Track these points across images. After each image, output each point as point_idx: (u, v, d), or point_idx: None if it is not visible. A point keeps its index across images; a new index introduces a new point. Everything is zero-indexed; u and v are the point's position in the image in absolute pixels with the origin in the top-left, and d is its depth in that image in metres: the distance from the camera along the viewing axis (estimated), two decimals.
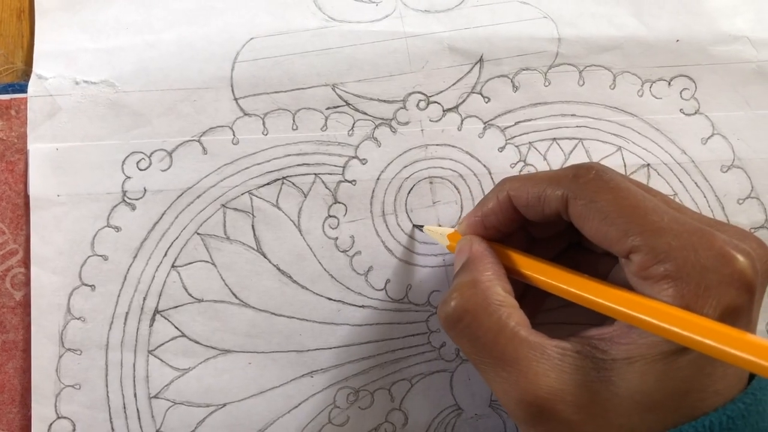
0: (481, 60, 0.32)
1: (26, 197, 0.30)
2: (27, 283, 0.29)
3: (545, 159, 0.32)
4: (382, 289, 0.31)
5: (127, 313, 0.30)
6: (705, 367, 0.22)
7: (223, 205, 0.30)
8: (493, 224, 0.27)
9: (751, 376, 0.23)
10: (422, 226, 0.31)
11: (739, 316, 0.21)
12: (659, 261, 0.22)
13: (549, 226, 0.27)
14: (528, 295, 0.28)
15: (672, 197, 0.31)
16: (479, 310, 0.24)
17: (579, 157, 0.32)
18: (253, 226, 0.30)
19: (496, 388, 0.24)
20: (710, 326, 0.20)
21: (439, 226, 0.31)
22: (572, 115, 0.32)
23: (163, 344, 0.30)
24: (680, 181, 0.32)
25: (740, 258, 0.21)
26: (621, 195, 0.23)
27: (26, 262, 0.29)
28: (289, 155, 0.31)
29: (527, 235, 0.28)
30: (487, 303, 0.24)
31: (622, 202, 0.23)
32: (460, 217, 0.31)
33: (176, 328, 0.30)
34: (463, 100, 0.32)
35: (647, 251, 0.22)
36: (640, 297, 0.22)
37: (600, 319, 0.24)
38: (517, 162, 0.32)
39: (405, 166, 0.31)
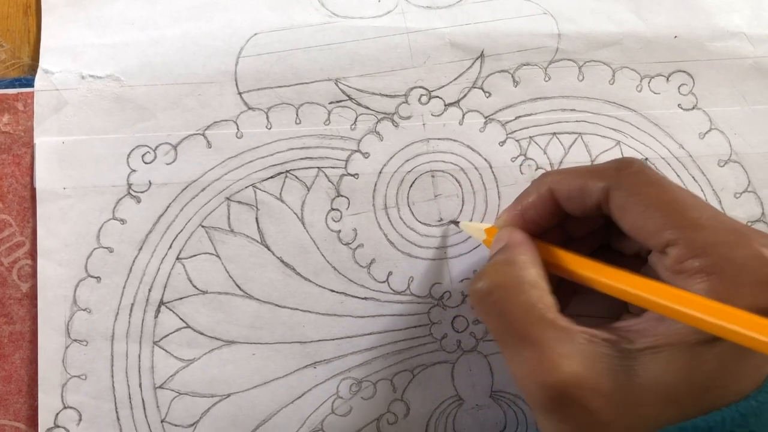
0: (481, 55, 0.33)
1: (33, 190, 0.30)
2: (33, 274, 0.30)
3: (545, 153, 0.32)
4: (384, 281, 0.31)
5: (132, 305, 0.30)
6: (729, 364, 0.22)
7: (228, 198, 0.31)
8: (532, 218, 0.27)
9: None
10: (458, 222, 0.31)
11: None
12: (695, 255, 0.22)
13: (585, 223, 0.28)
14: (558, 291, 0.28)
15: None
16: (511, 287, 0.24)
17: (578, 151, 0.32)
18: (257, 218, 0.31)
19: (518, 368, 0.23)
20: (743, 316, 0.20)
21: (472, 221, 0.31)
22: (572, 109, 0.33)
23: (168, 335, 0.30)
24: (678, 176, 0.33)
25: None
26: (662, 189, 0.23)
27: (33, 254, 0.30)
28: (293, 149, 0.31)
29: (563, 233, 0.28)
30: (520, 281, 0.24)
31: (663, 196, 0.23)
32: (461, 210, 0.32)
33: (181, 319, 0.30)
34: (465, 95, 0.32)
35: (684, 245, 0.22)
36: (674, 288, 0.22)
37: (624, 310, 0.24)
38: (518, 156, 0.32)
39: (407, 160, 0.32)
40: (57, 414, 0.29)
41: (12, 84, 0.31)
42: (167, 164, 0.31)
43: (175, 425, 0.29)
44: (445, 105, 0.32)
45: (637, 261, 0.27)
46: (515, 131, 0.32)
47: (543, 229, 0.27)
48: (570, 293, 0.29)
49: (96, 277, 0.30)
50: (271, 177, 0.31)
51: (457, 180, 0.32)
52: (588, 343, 0.23)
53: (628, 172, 0.24)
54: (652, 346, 0.22)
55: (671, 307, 0.21)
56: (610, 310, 0.29)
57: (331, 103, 0.32)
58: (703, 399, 0.22)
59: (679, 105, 0.33)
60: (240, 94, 0.31)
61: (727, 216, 0.24)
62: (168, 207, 0.30)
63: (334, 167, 0.31)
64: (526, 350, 0.23)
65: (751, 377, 0.22)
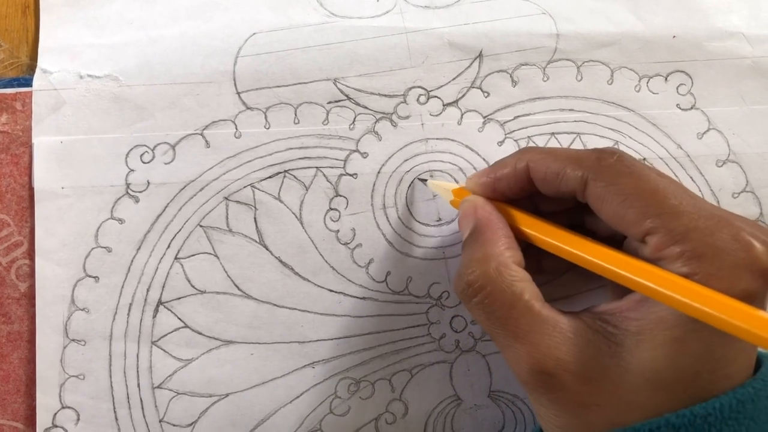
0: (480, 55, 0.33)
1: (31, 190, 0.30)
2: (32, 274, 0.30)
3: None
4: (382, 281, 0.31)
5: (130, 305, 0.30)
6: (715, 349, 0.22)
7: (226, 198, 0.31)
8: (503, 190, 0.27)
9: (758, 364, 0.23)
10: (426, 180, 0.31)
11: (752, 300, 0.21)
12: (676, 242, 0.22)
13: (557, 203, 0.28)
14: (529, 253, 0.28)
15: None
16: (493, 286, 0.24)
17: None
18: (255, 218, 0.31)
19: (509, 356, 0.24)
20: (724, 301, 0.20)
21: (437, 186, 0.31)
22: (570, 109, 0.33)
23: (166, 335, 0.30)
24: (676, 176, 0.33)
25: (757, 245, 0.21)
26: (641, 179, 0.23)
27: (31, 254, 0.30)
28: (291, 149, 0.31)
29: (531, 206, 0.28)
30: (501, 278, 0.24)
31: (643, 185, 0.23)
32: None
33: (179, 319, 0.30)
34: (463, 95, 0.32)
35: (665, 233, 0.22)
36: (656, 268, 0.22)
37: (602, 290, 0.24)
38: None
39: (405, 160, 0.32)
40: (55, 414, 0.29)
41: (10, 83, 0.31)
42: (165, 164, 0.31)
43: (174, 425, 0.29)
44: (444, 105, 0.32)
45: (613, 243, 0.27)
46: (514, 131, 0.32)
47: (510, 201, 0.27)
48: (542, 253, 0.29)
49: (94, 277, 0.30)
50: (270, 177, 0.31)
51: (455, 180, 0.32)
52: (574, 331, 0.23)
53: (608, 163, 0.24)
54: (636, 331, 0.22)
55: (654, 289, 0.21)
56: (586, 285, 0.30)
57: (329, 102, 0.32)
58: (692, 385, 0.22)
59: (677, 105, 0.33)
60: (238, 93, 0.31)
61: (708, 202, 0.24)
62: (166, 207, 0.30)
63: (332, 167, 0.31)
64: (516, 342, 0.24)
65: (740, 360, 0.22)
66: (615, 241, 0.26)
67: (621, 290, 0.24)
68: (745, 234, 0.22)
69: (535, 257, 0.28)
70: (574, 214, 0.28)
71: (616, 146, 0.32)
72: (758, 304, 0.21)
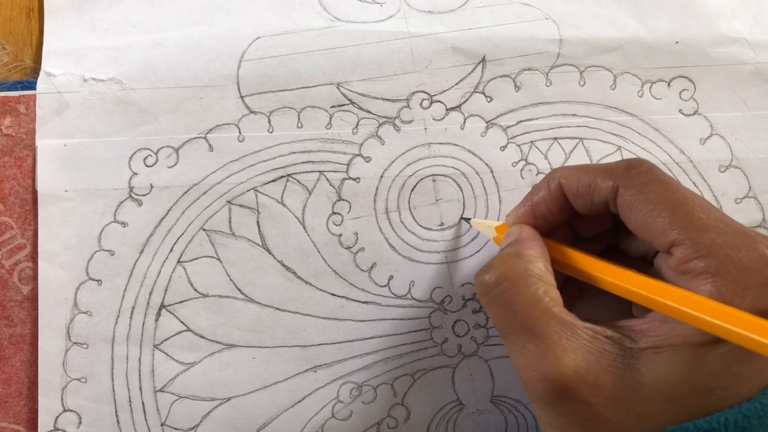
0: (483, 60, 0.33)
1: (34, 192, 0.30)
2: (34, 277, 0.30)
3: (546, 158, 0.32)
4: (385, 286, 0.31)
5: (133, 308, 0.30)
6: (732, 365, 0.22)
7: (229, 202, 0.31)
8: (542, 213, 0.27)
9: None
10: (470, 219, 0.31)
11: None
12: (700, 256, 0.22)
13: (593, 224, 0.28)
14: (564, 291, 0.28)
15: None
16: (518, 279, 0.24)
17: (579, 156, 0.32)
18: (258, 222, 0.31)
19: (521, 360, 0.23)
20: (746, 318, 0.20)
21: (486, 219, 0.32)
22: (573, 114, 0.33)
23: (168, 338, 0.30)
24: (678, 181, 0.33)
25: None
26: (670, 189, 0.23)
27: (34, 257, 0.30)
28: (294, 153, 0.31)
29: (571, 233, 0.29)
30: (527, 274, 0.24)
31: (671, 196, 0.23)
32: (462, 213, 0.32)
33: (182, 322, 0.30)
34: (466, 100, 0.32)
35: (690, 245, 0.22)
36: (679, 288, 0.22)
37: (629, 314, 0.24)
38: (519, 161, 0.32)
39: (408, 164, 0.32)
40: (57, 417, 0.29)
41: (14, 86, 0.31)
42: (169, 167, 0.31)
43: (176, 429, 0.29)
44: (447, 109, 0.32)
45: (643, 263, 0.27)
46: (516, 136, 0.32)
47: (552, 226, 0.28)
48: (576, 295, 0.29)
49: (97, 280, 0.30)
50: (273, 180, 0.31)
51: (458, 184, 0.32)
52: (591, 339, 0.23)
53: (638, 171, 0.24)
54: (655, 346, 0.22)
55: (675, 308, 0.21)
56: (615, 315, 0.29)
57: (332, 107, 0.32)
58: (704, 400, 0.22)
59: (680, 110, 0.33)
60: (242, 97, 0.31)
61: (734, 220, 0.24)
62: (169, 210, 0.30)
63: (335, 171, 0.31)
64: (530, 342, 0.23)
65: (753, 380, 0.22)
66: (647, 261, 0.26)
67: (643, 309, 0.24)
68: None
69: (573, 294, 0.28)
70: (610, 237, 0.29)
71: (618, 151, 0.33)
72: None
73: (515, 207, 0.28)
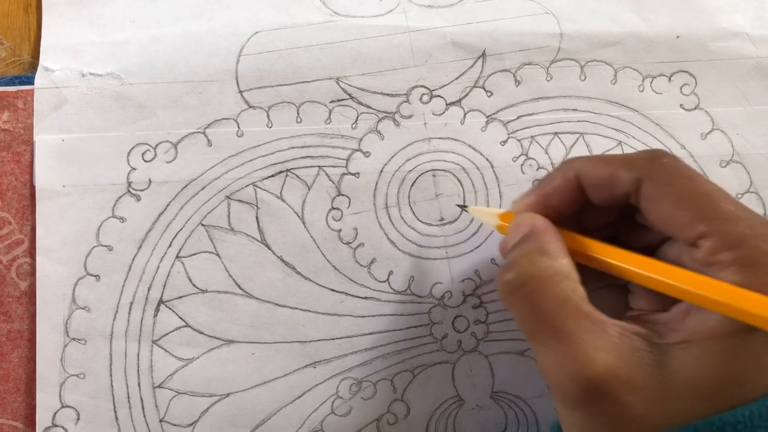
0: (483, 55, 0.32)
1: (32, 188, 0.30)
2: (32, 272, 0.29)
3: (547, 153, 0.32)
4: (384, 281, 0.31)
5: (131, 303, 0.30)
6: (763, 357, 0.21)
7: (228, 197, 0.31)
8: (554, 204, 0.26)
9: None
10: (467, 207, 0.30)
11: None
12: (729, 247, 0.21)
13: (601, 215, 0.27)
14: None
15: None
16: (545, 278, 0.23)
17: (580, 151, 0.32)
18: (257, 217, 0.31)
19: (549, 361, 0.23)
20: None
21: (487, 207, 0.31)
22: (574, 109, 0.33)
23: (167, 334, 0.30)
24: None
25: None
26: (694, 181, 0.23)
27: (32, 252, 0.30)
28: (293, 148, 0.31)
29: (575, 224, 0.28)
30: (554, 272, 0.23)
31: (698, 187, 0.23)
32: (462, 209, 0.31)
33: (180, 318, 0.30)
34: (466, 94, 0.32)
35: (719, 237, 0.22)
36: (709, 278, 0.21)
37: (651, 305, 0.24)
38: (519, 155, 0.32)
39: (408, 159, 0.32)
40: (55, 413, 0.29)
41: (12, 81, 0.31)
42: (167, 162, 0.31)
43: (174, 425, 0.29)
44: (447, 104, 0.32)
45: (646, 254, 0.26)
46: (517, 131, 0.32)
47: (562, 217, 0.27)
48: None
49: (95, 276, 0.30)
50: (272, 176, 0.31)
51: (458, 179, 0.32)
52: (621, 337, 0.22)
53: (661, 163, 0.24)
54: (683, 341, 0.22)
55: (706, 297, 0.21)
56: (620, 309, 0.29)
57: (332, 101, 0.32)
58: (736, 393, 0.21)
59: (681, 105, 0.33)
60: (241, 92, 0.31)
61: (758, 213, 0.24)
62: (168, 205, 0.30)
63: (334, 166, 0.31)
64: (560, 343, 0.22)
65: None
66: (650, 251, 0.26)
67: (665, 301, 0.23)
68: None
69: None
70: (611, 229, 0.28)
71: (619, 146, 0.32)
72: None
73: (523, 195, 0.27)
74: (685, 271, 0.22)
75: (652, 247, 0.26)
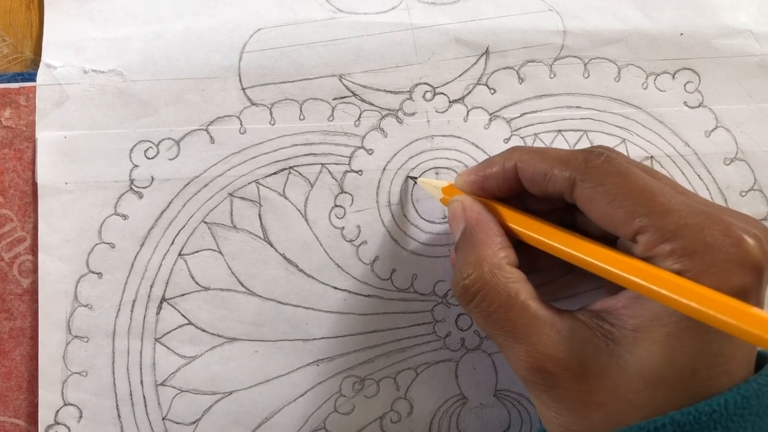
0: (486, 52, 0.32)
1: (34, 185, 0.30)
2: (34, 270, 0.29)
3: None
4: (387, 279, 0.31)
5: (134, 301, 0.30)
6: (712, 345, 0.22)
7: (230, 194, 0.31)
8: (491, 189, 0.27)
9: (759, 359, 0.23)
10: (416, 178, 0.31)
11: (747, 296, 0.21)
12: (666, 240, 0.22)
13: (546, 202, 0.27)
14: (524, 251, 0.28)
15: None
16: (489, 289, 0.24)
17: None
18: (259, 215, 0.31)
19: (509, 356, 0.24)
20: (716, 297, 0.19)
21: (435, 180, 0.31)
22: (577, 107, 0.32)
23: (169, 332, 0.30)
24: (683, 174, 0.32)
25: (748, 239, 0.21)
26: (629, 178, 0.23)
27: (34, 250, 0.30)
28: (296, 145, 0.31)
29: (521, 204, 0.28)
30: (496, 280, 0.24)
31: (630, 185, 0.23)
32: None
33: (183, 316, 0.30)
34: (469, 92, 0.32)
35: (654, 231, 0.22)
36: (648, 265, 0.22)
37: (601, 291, 0.24)
38: None
39: (411, 157, 0.31)
40: (57, 411, 0.29)
41: (14, 78, 0.31)
42: (170, 160, 0.30)
43: (177, 423, 0.29)
44: (450, 101, 0.32)
45: (604, 243, 0.26)
46: (520, 128, 0.32)
47: (499, 199, 0.27)
48: (531, 260, 0.29)
49: (97, 273, 0.30)
50: (275, 173, 0.31)
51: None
52: (571, 329, 0.23)
53: (595, 164, 0.24)
54: (633, 329, 0.22)
55: (646, 286, 0.21)
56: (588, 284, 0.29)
57: (335, 99, 0.31)
58: (691, 382, 0.22)
59: (684, 102, 0.33)
60: (243, 89, 0.31)
61: (699, 197, 0.24)
62: (170, 203, 0.30)
63: (337, 164, 0.31)
64: (515, 342, 0.24)
65: (738, 358, 0.22)
66: (607, 240, 0.26)
67: (616, 287, 0.23)
68: (736, 229, 0.21)
69: (530, 255, 0.27)
70: (566, 214, 0.28)
71: (623, 144, 0.32)
72: (752, 299, 0.21)
73: (467, 170, 0.28)
74: (628, 259, 0.22)
75: (610, 236, 0.26)
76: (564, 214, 0.28)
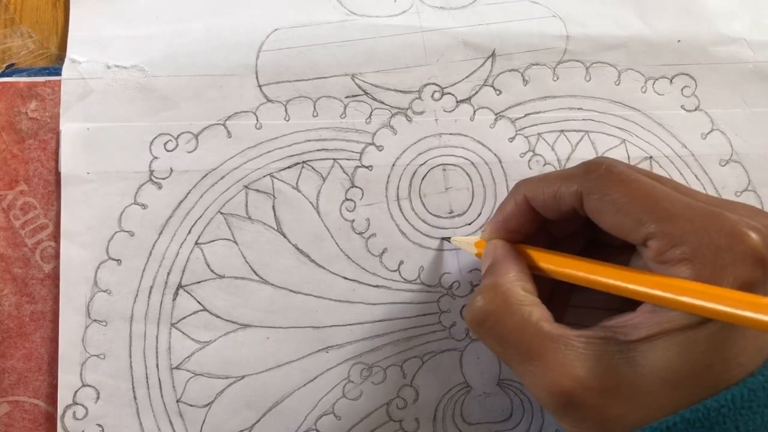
0: (493, 55, 0.34)
1: (57, 174, 0.31)
2: (56, 256, 0.30)
3: (553, 150, 0.33)
4: (395, 270, 0.32)
5: (151, 287, 0.31)
6: (725, 339, 0.22)
7: (246, 187, 0.32)
8: (514, 227, 0.28)
9: None
10: (449, 238, 0.32)
11: (755, 290, 0.22)
12: (675, 245, 0.22)
13: (567, 224, 0.28)
14: (555, 294, 0.29)
15: None
16: (501, 311, 0.25)
17: (585, 149, 0.33)
18: (273, 207, 0.32)
19: (526, 381, 0.24)
20: (728, 295, 0.20)
21: (465, 235, 0.32)
22: (579, 108, 0.34)
23: (185, 318, 0.31)
24: (681, 174, 0.34)
25: (752, 235, 0.22)
26: (632, 186, 0.24)
27: (56, 236, 0.31)
28: (309, 140, 0.32)
29: (548, 236, 0.29)
30: (508, 303, 0.25)
31: (634, 192, 0.24)
32: (471, 202, 0.33)
33: (198, 302, 0.31)
34: (476, 92, 0.34)
35: (662, 237, 0.23)
36: (660, 276, 0.23)
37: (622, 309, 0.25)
38: (526, 152, 0.33)
39: (419, 153, 0.33)
40: (76, 392, 0.30)
41: (40, 72, 0.32)
42: (188, 152, 0.32)
43: (190, 405, 0.30)
44: (457, 101, 0.33)
45: (626, 251, 0.27)
46: (524, 128, 0.33)
47: (527, 235, 0.28)
48: (567, 297, 0.30)
49: (117, 260, 0.31)
50: (289, 167, 0.32)
51: (467, 174, 0.33)
52: (586, 346, 0.23)
53: (597, 174, 0.25)
54: (648, 336, 0.23)
55: (658, 295, 0.22)
56: (609, 300, 0.30)
57: (347, 97, 0.33)
58: (705, 378, 0.22)
59: (682, 106, 0.34)
60: (260, 86, 0.32)
61: (701, 195, 0.25)
62: (188, 194, 0.31)
63: (349, 159, 0.32)
64: (530, 365, 0.24)
65: (750, 349, 0.23)
66: (630, 247, 0.26)
67: (631, 303, 0.24)
68: (740, 226, 0.22)
69: (564, 293, 0.29)
70: (588, 232, 0.29)
71: (623, 144, 0.34)
72: (761, 291, 0.22)
73: (488, 221, 0.29)
74: (636, 272, 0.23)
75: (630, 243, 0.27)
76: (587, 233, 0.29)
